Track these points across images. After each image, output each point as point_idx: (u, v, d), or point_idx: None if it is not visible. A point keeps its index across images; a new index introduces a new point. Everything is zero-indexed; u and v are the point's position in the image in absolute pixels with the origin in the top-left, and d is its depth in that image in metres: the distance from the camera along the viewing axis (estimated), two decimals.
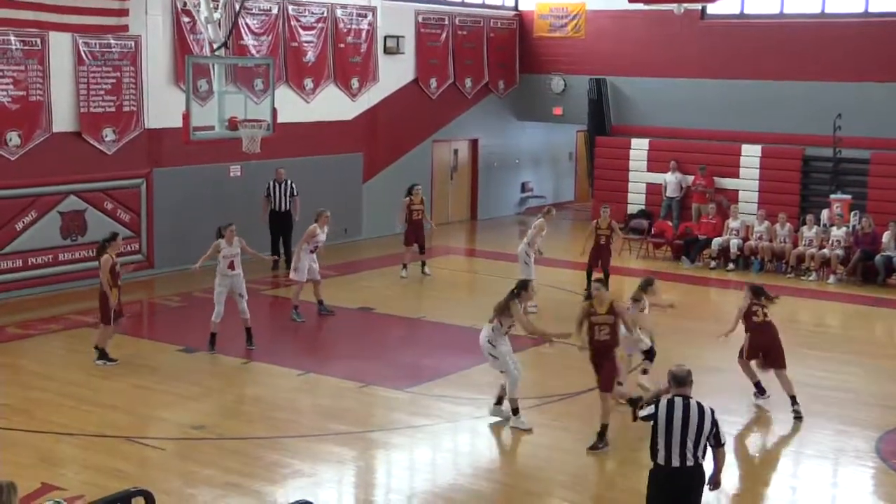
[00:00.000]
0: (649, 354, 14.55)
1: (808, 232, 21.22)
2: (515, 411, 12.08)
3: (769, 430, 12.43)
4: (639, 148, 26.06)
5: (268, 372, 14.15)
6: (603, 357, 11.72)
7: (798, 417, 12.43)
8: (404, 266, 19.95)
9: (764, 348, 12.81)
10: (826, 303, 19.33)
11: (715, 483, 8.38)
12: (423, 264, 20.46)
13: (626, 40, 26.68)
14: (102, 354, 14.19)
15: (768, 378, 12.92)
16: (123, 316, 14.53)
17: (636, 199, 25.78)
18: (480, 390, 13.47)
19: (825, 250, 20.84)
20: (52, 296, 18.08)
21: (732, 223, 22.11)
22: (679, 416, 7.99)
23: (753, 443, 12.11)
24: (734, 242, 21.71)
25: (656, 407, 8.11)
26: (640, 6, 23.86)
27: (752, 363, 12.99)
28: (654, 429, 8.05)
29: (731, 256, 21.73)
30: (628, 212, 25.44)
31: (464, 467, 11.27)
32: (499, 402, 12.34)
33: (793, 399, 12.58)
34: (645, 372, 14.56)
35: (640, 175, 25.98)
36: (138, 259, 19.65)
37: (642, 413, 8.27)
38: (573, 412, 12.65)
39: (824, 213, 22.05)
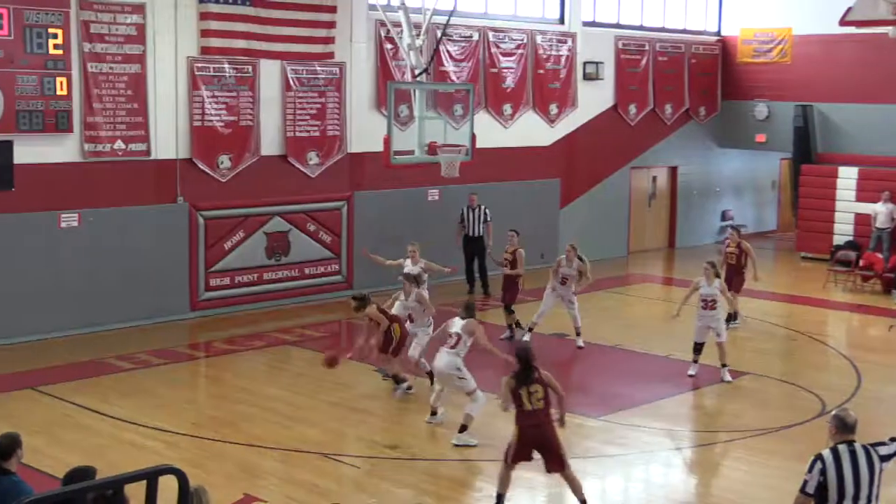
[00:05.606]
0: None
1: None
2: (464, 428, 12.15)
3: None
4: (847, 177, 25.07)
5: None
6: None
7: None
8: None
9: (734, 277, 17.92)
10: None
11: None
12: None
13: (836, 65, 25.76)
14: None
15: None
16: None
17: (843, 230, 24.77)
18: (674, 421, 13.20)
19: None
20: (257, 313, 18.74)
21: None
22: (848, 466, 7.02)
23: None
24: None
25: (822, 460, 7.07)
26: (852, 29, 22.98)
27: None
28: (824, 483, 7.01)
29: None
30: (834, 243, 24.46)
31: (656, 499, 11.01)
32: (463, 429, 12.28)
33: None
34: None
35: (848, 205, 24.95)
36: (338, 280, 20.22)
37: (809, 484, 7.10)
38: (773, 448, 12.19)
39: None
